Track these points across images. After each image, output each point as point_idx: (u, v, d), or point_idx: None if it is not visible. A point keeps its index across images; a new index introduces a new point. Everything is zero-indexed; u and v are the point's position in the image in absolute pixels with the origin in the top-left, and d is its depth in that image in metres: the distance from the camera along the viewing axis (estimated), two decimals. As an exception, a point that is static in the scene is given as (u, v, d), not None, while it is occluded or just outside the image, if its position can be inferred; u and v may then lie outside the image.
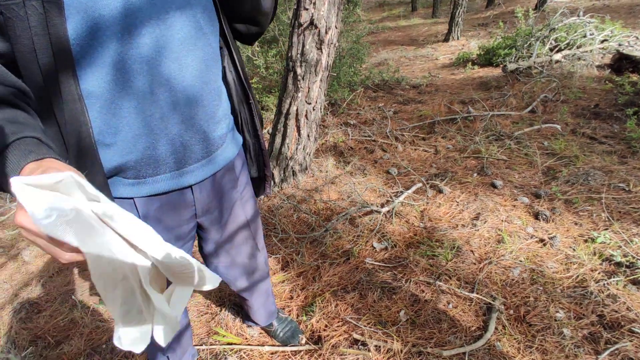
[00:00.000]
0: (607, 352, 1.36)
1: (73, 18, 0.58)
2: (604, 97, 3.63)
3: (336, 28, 2.22)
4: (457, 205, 2.24)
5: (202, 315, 1.73)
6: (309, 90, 2.31)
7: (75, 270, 2.19)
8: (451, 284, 1.70)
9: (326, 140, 3.27)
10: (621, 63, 4.23)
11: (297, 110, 2.34)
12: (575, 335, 1.44)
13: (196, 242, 1.12)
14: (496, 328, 1.49)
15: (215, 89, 0.79)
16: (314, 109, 2.38)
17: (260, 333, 1.61)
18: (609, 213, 2.02)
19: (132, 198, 0.78)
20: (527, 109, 3.49)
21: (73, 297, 1.95)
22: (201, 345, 1.56)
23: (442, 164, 2.76)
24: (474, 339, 1.46)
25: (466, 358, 1.39)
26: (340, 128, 3.53)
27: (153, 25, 0.65)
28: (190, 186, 0.83)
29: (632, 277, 1.62)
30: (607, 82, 3.90)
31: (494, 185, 2.37)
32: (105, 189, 0.70)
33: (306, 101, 2.33)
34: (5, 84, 0.55)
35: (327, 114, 3.90)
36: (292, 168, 2.50)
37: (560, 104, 3.53)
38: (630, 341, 1.39)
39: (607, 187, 2.25)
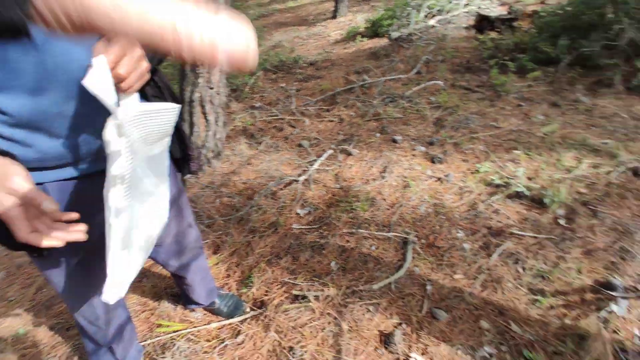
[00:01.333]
0: (496, 253, 1.67)
1: None
2: (472, 53, 4.16)
3: (225, 10, 2.24)
4: (366, 163, 2.46)
5: (140, 314, 1.70)
6: (209, 75, 2.30)
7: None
8: (371, 230, 1.90)
9: (235, 126, 3.28)
10: (482, 23, 4.86)
11: (200, 96, 2.33)
12: (473, 247, 1.73)
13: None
14: (413, 257, 1.72)
15: None
16: (218, 94, 2.38)
17: (205, 314, 1.65)
18: (486, 147, 2.40)
19: (42, 183, 0.79)
20: (413, 71, 3.87)
21: (-17, 333, 1.76)
22: (145, 340, 1.55)
23: (348, 130, 2.97)
24: (396, 270, 1.68)
25: (392, 286, 1.60)
26: (247, 112, 3.56)
27: None
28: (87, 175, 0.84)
29: (507, 193, 1.98)
30: (473, 40, 4.46)
31: (394, 141, 2.64)
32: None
33: (208, 86, 2.32)
34: None
35: (231, 100, 3.88)
36: (205, 155, 2.49)
37: (439, 64, 3.97)
38: (511, 241, 1.72)
39: (483, 127, 2.65)
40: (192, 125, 2.39)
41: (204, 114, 2.38)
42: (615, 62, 2.95)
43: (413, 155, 2.47)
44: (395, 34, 4.89)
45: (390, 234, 1.84)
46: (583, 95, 2.86)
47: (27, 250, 0.81)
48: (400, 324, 1.47)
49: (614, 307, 1.39)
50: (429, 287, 1.58)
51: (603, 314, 1.38)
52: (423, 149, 2.51)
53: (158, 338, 1.55)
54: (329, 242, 1.87)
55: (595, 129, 2.42)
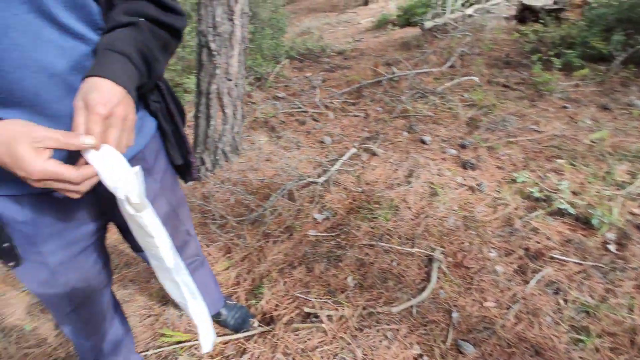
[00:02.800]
0: (534, 280, 1.49)
1: None
2: (512, 46, 3.86)
3: (246, -4, 2.09)
4: (391, 165, 2.29)
5: (144, 319, 1.62)
6: (227, 66, 2.17)
7: (-9, 296, 1.95)
8: (393, 243, 1.74)
9: (256, 117, 3.16)
10: (524, 13, 4.51)
11: (217, 88, 2.20)
12: (507, 270, 1.55)
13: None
14: (438, 277, 1.56)
15: None
16: (236, 85, 2.25)
17: (210, 325, 1.55)
18: (525, 153, 2.18)
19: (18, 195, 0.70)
20: (447, 64, 3.62)
21: (-8, 326, 1.73)
22: (147, 350, 1.46)
23: (373, 126, 2.79)
24: (419, 291, 1.52)
25: (414, 310, 1.45)
26: (269, 102, 3.42)
27: None
28: None
29: (548, 210, 1.77)
30: (514, 32, 4.14)
31: (423, 142, 2.45)
32: None
33: (226, 78, 2.19)
34: None
35: (254, 89, 3.76)
36: (222, 150, 2.38)
37: (475, 57, 3.70)
38: (552, 267, 1.53)
39: (522, 130, 2.41)
40: (208, 118, 2.28)
41: (222, 106, 2.26)
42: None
43: (443, 159, 2.27)
44: (428, 24, 4.61)
45: (413, 249, 1.68)
46: (638, 98, 2.56)
47: (1, 258, 0.74)
48: (421, 355, 1.32)
49: (674, 356, 1.19)
50: (455, 315, 1.42)
51: (660, 363, 1.19)
52: (454, 152, 2.31)
53: (161, 349, 1.46)
54: (347, 254, 1.72)
55: (653, 138, 2.16)
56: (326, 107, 3.24)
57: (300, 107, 3.26)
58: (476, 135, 2.43)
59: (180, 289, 0.76)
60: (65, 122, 0.65)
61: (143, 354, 1.45)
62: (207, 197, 2.22)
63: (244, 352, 1.40)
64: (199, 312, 0.82)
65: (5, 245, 0.72)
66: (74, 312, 0.93)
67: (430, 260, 1.64)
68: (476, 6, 4.98)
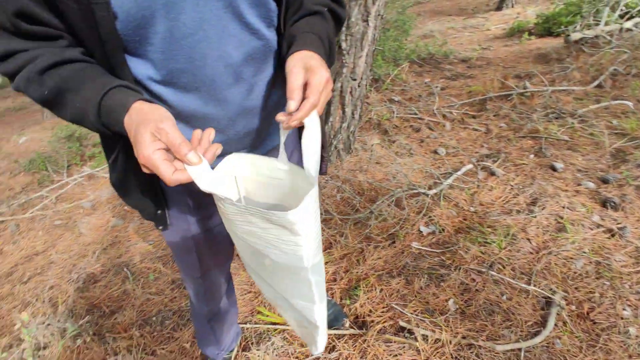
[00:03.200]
0: (686, 358, 1.23)
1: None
2: (684, 69, 3.22)
3: (385, -2, 2.09)
4: (512, 189, 2.09)
5: (245, 294, 1.74)
6: (354, 66, 2.20)
7: (127, 243, 2.29)
8: (505, 274, 1.59)
9: (370, 118, 3.16)
10: None
11: (341, 86, 2.25)
12: (645, 336, 1.31)
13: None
14: (556, 324, 1.38)
15: None
16: (359, 86, 2.27)
17: (304, 314, 1.60)
18: (690, 202, 1.81)
19: None
20: (594, 83, 3.17)
21: (125, 269, 2.04)
22: (245, 323, 1.58)
23: (495, 144, 2.59)
24: (531, 335, 1.37)
25: (522, 355, 1.31)
26: (385, 105, 3.39)
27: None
28: None
29: None
30: (689, 52, 3.45)
31: (553, 168, 2.19)
32: None
33: (351, 77, 2.23)
34: (74, 45, 0.63)
35: (371, 89, 3.76)
36: (335, 147, 2.44)
37: (631, 78, 3.18)
38: None
39: (689, 173, 2.00)
40: (327, 114, 2.34)
41: (342, 105, 2.31)
42: None
43: (576, 191, 2.00)
44: (576, 35, 4.09)
45: (530, 287, 1.51)
46: None
47: (154, 221, 0.85)
48: (524, 405, 1.19)
49: None
50: (572, 372, 1.25)
51: None
52: (592, 185, 2.02)
53: (257, 325, 1.56)
54: (451, 275, 1.63)
55: None
56: (444, 116, 3.10)
57: (415, 113, 3.17)
58: (624, 170, 2.09)
59: (312, 288, 0.68)
60: (230, 108, 0.72)
61: (241, 325, 1.56)
62: (314, 190, 2.29)
63: (333, 349, 1.42)
64: (323, 314, 0.77)
65: (159, 212, 0.83)
66: (201, 278, 1.04)
67: (548, 303, 1.46)
68: (637, 19, 4.27)
